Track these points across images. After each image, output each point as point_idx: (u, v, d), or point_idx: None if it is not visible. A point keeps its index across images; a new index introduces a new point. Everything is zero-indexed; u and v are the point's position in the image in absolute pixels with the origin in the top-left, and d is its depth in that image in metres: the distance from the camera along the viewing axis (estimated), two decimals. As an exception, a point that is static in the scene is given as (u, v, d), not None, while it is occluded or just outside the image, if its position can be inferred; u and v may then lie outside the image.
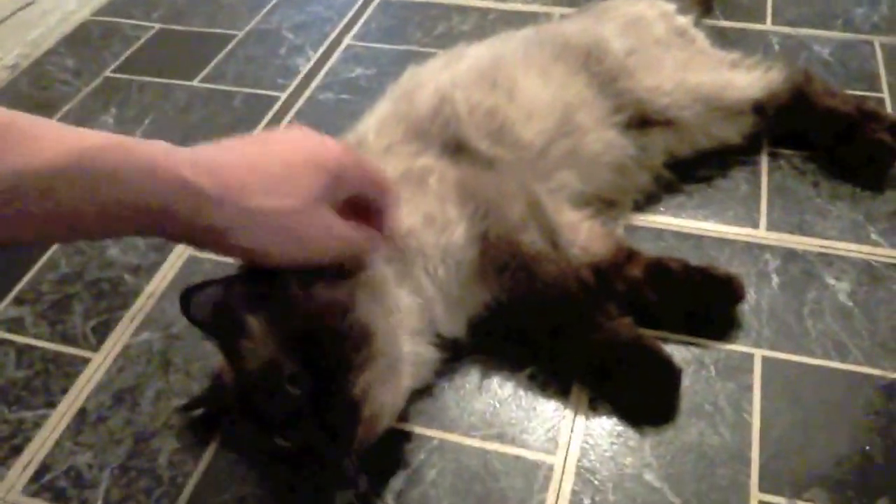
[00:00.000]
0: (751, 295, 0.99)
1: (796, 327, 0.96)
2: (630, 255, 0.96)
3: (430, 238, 0.89)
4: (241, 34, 1.61)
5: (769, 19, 1.52)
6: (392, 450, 0.86)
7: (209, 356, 0.95)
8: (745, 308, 0.97)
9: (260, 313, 0.75)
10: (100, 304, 1.06)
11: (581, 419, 0.88)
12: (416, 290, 0.88)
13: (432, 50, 1.41)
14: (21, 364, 0.99)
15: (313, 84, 1.45)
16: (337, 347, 0.74)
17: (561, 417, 0.89)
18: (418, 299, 0.87)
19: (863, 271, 1.02)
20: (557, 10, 1.58)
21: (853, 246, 1.05)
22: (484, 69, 1.07)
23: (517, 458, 0.85)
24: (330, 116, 1.36)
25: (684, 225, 1.10)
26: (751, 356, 0.93)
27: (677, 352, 0.93)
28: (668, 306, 0.94)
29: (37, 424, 0.92)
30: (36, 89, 1.51)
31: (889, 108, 1.28)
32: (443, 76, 1.07)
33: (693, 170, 1.17)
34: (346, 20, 1.63)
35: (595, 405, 0.89)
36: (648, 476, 0.83)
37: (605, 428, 0.87)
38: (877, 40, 1.44)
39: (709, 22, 1.47)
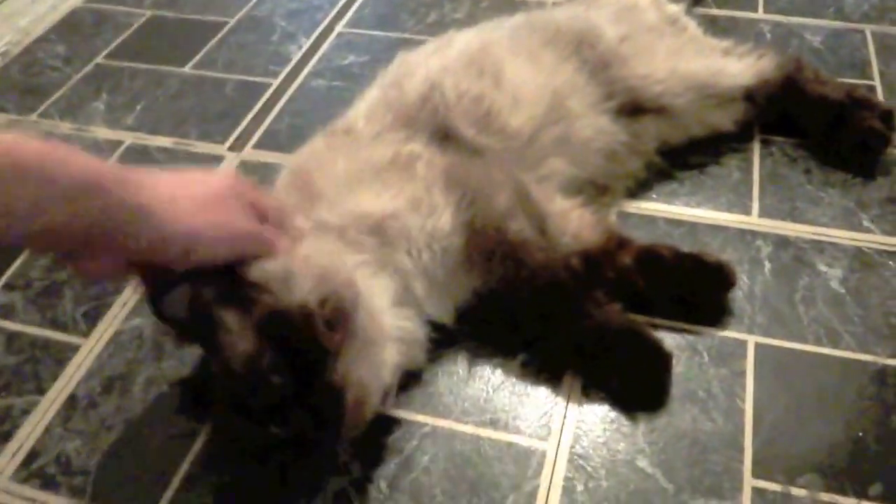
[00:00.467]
0: (743, 281, 0.99)
1: (789, 314, 0.96)
2: (621, 243, 0.96)
3: (416, 221, 0.89)
4: (232, 21, 1.60)
5: (761, 7, 1.52)
6: (385, 436, 0.86)
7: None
8: (738, 294, 0.97)
9: (233, 307, 0.75)
10: (90, 290, 1.06)
11: (574, 405, 0.88)
12: (397, 270, 0.88)
13: (425, 37, 1.41)
14: (11, 350, 0.99)
15: (305, 71, 1.45)
16: (310, 332, 0.74)
17: (553, 404, 0.89)
18: (397, 277, 0.88)
19: (854, 258, 1.02)
20: (550, -2, 1.58)
21: (845, 233, 1.06)
22: (473, 56, 1.07)
23: (510, 444, 0.85)
24: (322, 103, 1.36)
25: (677, 212, 1.10)
26: (744, 343, 0.93)
27: (670, 338, 0.93)
28: (659, 293, 0.94)
29: (26, 411, 0.92)
30: (27, 76, 1.49)
31: (880, 96, 1.28)
32: (432, 63, 1.07)
33: (685, 157, 1.17)
34: (338, 7, 1.62)
35: (588, 391, 0.90)
36: (641, 462, 0.83)
37: (597, 414, 0.87)
38: (868, 28, 1.44)
39: (700, 10, 1.47)
